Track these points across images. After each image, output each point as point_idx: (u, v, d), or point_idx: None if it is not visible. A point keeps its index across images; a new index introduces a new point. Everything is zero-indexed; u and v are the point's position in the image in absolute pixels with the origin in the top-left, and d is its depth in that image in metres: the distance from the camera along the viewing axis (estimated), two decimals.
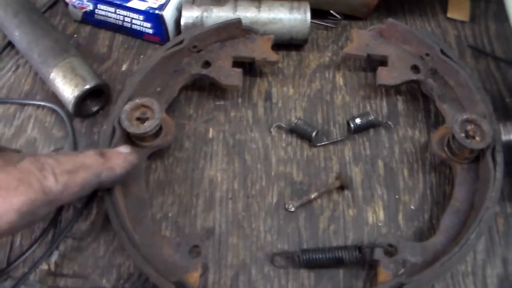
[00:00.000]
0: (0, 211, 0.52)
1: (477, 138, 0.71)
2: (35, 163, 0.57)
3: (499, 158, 0.70)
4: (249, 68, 0.87)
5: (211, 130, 0.82)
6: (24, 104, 0.85)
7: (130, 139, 0.74)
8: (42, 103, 0.84)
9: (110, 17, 0.91)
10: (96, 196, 0.73)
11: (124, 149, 0.68)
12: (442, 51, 0.80)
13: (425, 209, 0.75)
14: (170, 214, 0.74)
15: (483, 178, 0.71)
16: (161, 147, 0.76)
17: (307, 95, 0.86)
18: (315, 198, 0.75)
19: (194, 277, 0.64)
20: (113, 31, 0.94)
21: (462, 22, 0.97)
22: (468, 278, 0.69)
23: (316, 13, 0.91)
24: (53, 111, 0.83)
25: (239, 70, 0.82)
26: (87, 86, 0.78)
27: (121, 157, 0.65)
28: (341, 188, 0.76)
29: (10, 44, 0.92)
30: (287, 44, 0.90)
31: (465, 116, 0.71)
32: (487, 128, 0.71)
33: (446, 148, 0.74)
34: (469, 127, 0.71)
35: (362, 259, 0.69)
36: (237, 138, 0.81)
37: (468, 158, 0.73)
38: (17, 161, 0.56)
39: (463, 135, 0.70)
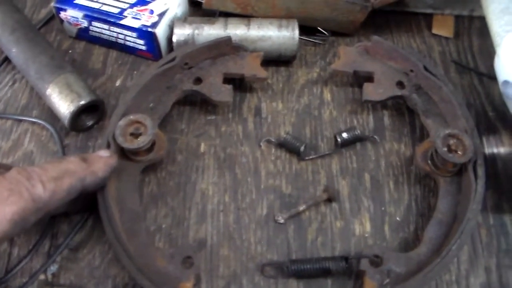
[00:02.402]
0: None
1: (459, 152, 0.73)
2: (23, 172, 0.58)
3: (481, 171, 0.72)
4: (239, 84, 0.89)
5: (202, 144, 0.84)
6: (18, 120, 0.86)
7: (124, 153, 0.76)
8: (34, 120, 0.86)
9: (104, 34, 0.93)
10: (93, 210, 0.74)
11: (104, 153, 0.69)
12: (425, 68, 0.82)
13: (410, 220, 0.77)
14: (163, 226, 0.76)
15: (465, 191, 0.73)
16: (154, 161, 0.78)
17: (295, 110, 0.88)
18: (303, 210, 0.77)
19: (187, 287, 0.66)
20: (107, 47, 0.96)
21: (447, 38, 0.99)
22: (452, 287, 0.71)
23: (304, 30, 0.93)
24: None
25: (229, 87, 0.83)
26: (82, 102, 0.80)
27: (102, 161, 0.67)
28: (329, 200, 0.78)
29: (6, 60, 0.93)
30: (276, 60, 0.92)
31: (447, 131, 0.73)
32: (469, 143, 0.73)
33: (430, 162, 0.76)
34: (451, 142, 0.73)
35: (349, 270, 0.71)
36: (228, 152, 0.83)
37: (451, 171, 0.75)
38: (5, 172, 0.58)
39: (445, 149, 0.72)
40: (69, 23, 0.94)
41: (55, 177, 0.60)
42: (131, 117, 0.74)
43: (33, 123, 0.86)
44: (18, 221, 0.55)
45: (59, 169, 0.62)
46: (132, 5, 0.91)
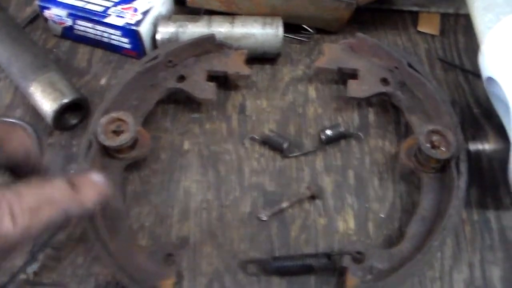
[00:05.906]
0: None
1: (442, 149, 0.73)
2: None
3: (463, 167, 0.72)
4: (224, 82, 0.88)
5: (186, 142, 0.83)
6: None
7: (106, 151, 0.76)
8: (14, 120, 0.84)
9: (89, 33, 0.93)
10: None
11: (98, 177, 0.53)
12: (409, 65, 0.82)
13: (395, 217, 0.77)
14: (146, 224, 0.76)
15: (448, 187, 0.73)
16: (137, 159, 0.78)
17: (280, 107, 0.88)
18: (287, 208, 0.77)
19: (168, 284, 0.66)
20: (92, 46, 0.96)
21: (433, 36, 0.99)
22: (436, 284, 0.71)
23: (289, 27, 0.93)
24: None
25: (213, 84, 0.83)
26: (65, 100, 0.80)
27: (94, 188, 0.52)
28: (312, 197, 0.78)
29: None
30: (261, 58, 0.92)
31: (430, 127, 0.74)
32: (452, 139, 0.73)
33: (414, 158, 0.76)
34: (435, 138, 0.73)
35: (332, 266, 0.71)
36: (212, 150, 0.83)
37: (434, 167, 0.75)
38: None
39: (428, 145, 0.73)
40: (54, 21, 0.94)
41: (32, 208, 0.45)
42: (113, 114, 0.74)
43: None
44: None
45: (39, 196, 0.47)
46: (116, 4, 0.91)
